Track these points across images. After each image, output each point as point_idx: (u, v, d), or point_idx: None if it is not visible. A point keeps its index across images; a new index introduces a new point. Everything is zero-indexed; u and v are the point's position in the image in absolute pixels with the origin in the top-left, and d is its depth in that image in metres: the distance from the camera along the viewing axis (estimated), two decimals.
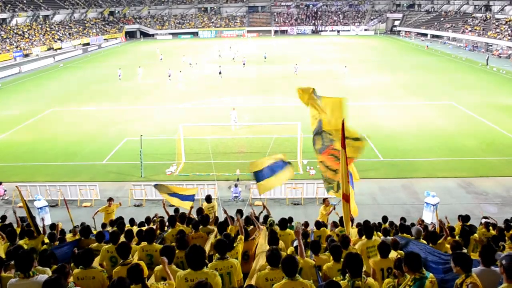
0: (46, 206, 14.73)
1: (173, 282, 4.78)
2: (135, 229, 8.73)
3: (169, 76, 40.50)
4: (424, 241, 7.23)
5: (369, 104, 29.41)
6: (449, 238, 8.22)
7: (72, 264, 6.42)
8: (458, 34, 67.03)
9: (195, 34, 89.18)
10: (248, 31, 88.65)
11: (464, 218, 9.78)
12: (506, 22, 59.44)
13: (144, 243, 6.53)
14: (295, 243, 7.11)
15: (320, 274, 5.50)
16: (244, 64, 47.60)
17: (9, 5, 67.12)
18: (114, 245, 6.33)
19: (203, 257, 4.65)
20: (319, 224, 8.71)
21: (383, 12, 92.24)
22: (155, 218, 10.60)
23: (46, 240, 8.22)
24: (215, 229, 7.25)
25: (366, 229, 6.55)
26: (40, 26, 69.59)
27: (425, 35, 76.75)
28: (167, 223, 8.72)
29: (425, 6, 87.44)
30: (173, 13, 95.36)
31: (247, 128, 24.16)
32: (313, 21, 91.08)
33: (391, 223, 10.36)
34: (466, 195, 16.22)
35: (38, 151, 21.74)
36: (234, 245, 6.09)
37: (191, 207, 9.79)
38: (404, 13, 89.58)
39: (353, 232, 7.63)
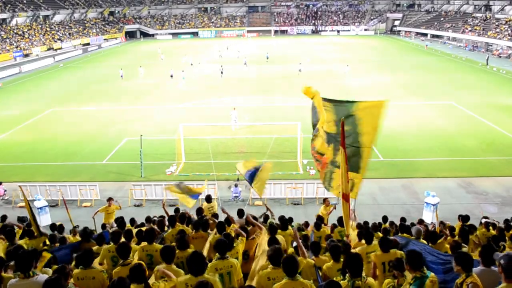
0: (46, 206, 14.74)
1: (175, 279, 4.80)
2: (134, 230, 8.71)
3: (171, 76, 40.62)
4: (424, 241, 7.23)
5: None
6: (449, 238, 8.22)
7: (72, 265, 6.42)
8: (458, 34, 67.03)
9: (195, 34, 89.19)
10: (248, 31, 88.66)
11: (464, 218, 9.78)
12: (506, 22, 59.43)
13: (144, 243, 6.52)
14: (294, 244, 7.12)
15: (320, 273, 5.50)
16: (245, 64, 47.78)
17: (9, 5, 67.12)
18: (115, 245, 6.33)
19: (204, 263, 4.67)
20: (319, 225, 8.69)
21: (383, 12, 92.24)
22: (154, 218, 10.59)
23: (47, 241, 8.22)
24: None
25: (366, 234, 6.52)
26: (40, 26, 69.58)
27: (425, 35, 76.76)
28: (167, 223, 8.71)
29: (425, 6, 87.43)
30: (173, 13, 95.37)
31: (247, 128, 24.16)
32: (313, 21, 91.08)
33: (391, 223, 10.36)
34: (466, 195, 16.22)
35: (38, 151, 21.74)
36: (234, 244, 6.09)
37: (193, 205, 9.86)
38: (404, 13, 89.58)
39: (353, 234, 7.61)
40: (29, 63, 52.40)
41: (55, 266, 5.83)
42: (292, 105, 29.67)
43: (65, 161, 20.28)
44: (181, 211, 9.93)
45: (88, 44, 72.66)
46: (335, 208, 11.87)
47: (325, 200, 12.44)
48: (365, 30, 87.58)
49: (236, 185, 16.36)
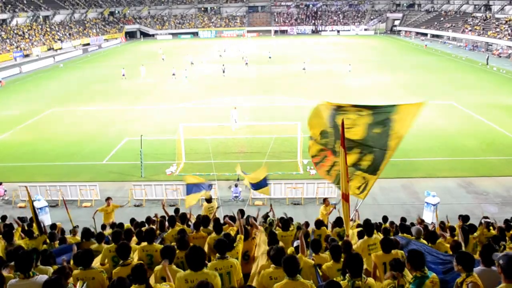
0: (46, 206, 14.74)
1: (173, 284, 4.79)
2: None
3: (174, 74, 40.72)
4: (425, 241, 7.22)
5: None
6: (448, 238, 8.22)
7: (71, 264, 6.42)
8: (458, 33, 67.01)
9: (195, 34, 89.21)
10: (248, 31, 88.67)
11: (465, 218, 9.77)
12: (506, 21, 59.41)
13: (144, 243, 6.52)
14: (295, 243, 7.12)
15: (320, 273, 5.50)
16: (246, 63, 47.97)
17: (9, 6, 67.13)
18: (116, 245, 6.33)
19: (203, 258, 4.66)
20: (319, 223, 8.71)
21: (383, 11, 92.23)
22: (154, 218, 10.59)
23: (47, 241, 8.23)
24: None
25: (366, 226, 6.55)
26: (40, 26, 69.60)
27: (425, 34, 76.77)
28: (167, 223, 8.71)
29: (425, 5, 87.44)
30: (173, 13, 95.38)
31: (247, 128, 24.15)
32: (313, 21, 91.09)
33: (391, 223, 10.35)
34: (467, 195, 16.21)
35: (38, 151, 21.74)
36: (234, 245, 6.09)
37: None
38: (404, 12, 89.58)
39: (353, 234, 7.61)
40: (29, 63, 52.42)
41: (55, 266, 5.83)
42: (292, 105, 29.68)
43: (65, 161, 20.27)
44: (181, 212, 9.95)
45: (88, 44, 72.68)
46: (335, 208, 11.86)
47: (325, 200, 12.45)
48: (365, 30, 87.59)
49: (236, 185, 16.36)
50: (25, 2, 70.72)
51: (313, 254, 5.97)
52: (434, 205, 13.91)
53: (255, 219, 8.55)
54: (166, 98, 33.33)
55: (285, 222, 7.90)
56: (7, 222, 10.54)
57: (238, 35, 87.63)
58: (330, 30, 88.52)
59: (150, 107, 30.42)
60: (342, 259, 5.48)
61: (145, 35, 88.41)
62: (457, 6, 78.27)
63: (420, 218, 11.24)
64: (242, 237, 6.40)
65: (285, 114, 26.48)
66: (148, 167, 18.56)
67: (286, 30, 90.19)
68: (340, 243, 6.20)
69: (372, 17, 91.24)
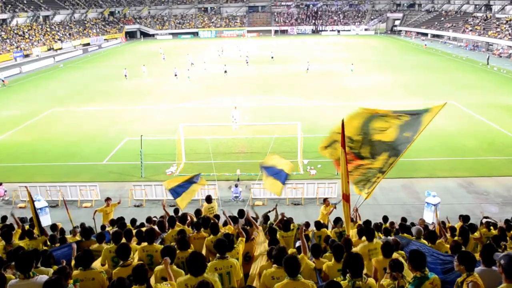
0: (46, 206, 14.73)
1: (174, 283, 4.79)
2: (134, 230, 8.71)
3: (176, 75, 40.84)
4: (425, 241, 7.21)
5: (370, 104, 29.36)
6: (449, 238, 8.21)
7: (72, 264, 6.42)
8: (459, 33, 66.99)
9: (195, 34, 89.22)
10: (248, 31, 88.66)
11: (465, 218, 9.77)
12: (507, 21, 59.37)
13: (144, 244, 6.52)
14: (297, 244, 7.12)
15: (321, 275, 5.49)
16: (247, 63, 48.20)
17: (10, 6, 67.16)
18: (116, 245, 6.33)
19: (204, 263, 4.67)
20: (319, 225, 8.69)
21: (384, 11, 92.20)
22: (155, 218, 10.59)
23: (47, 242, 8.22)
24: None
25: (367, 231, 6.52)
26: (40, 26, 69.62)
27: (426, 34, 76.76)
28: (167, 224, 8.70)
29: (425, 5, 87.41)
30: (173, 13, 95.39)
31: (247, 128, 24.14)
32: (313, 21, 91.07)
33: (392, 223, 10.34)
34: (467, 195, 16.20)
35: (38, 151, 21.74)
36: (235, 245, 6.08)
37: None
38: (404, 12, 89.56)
39: (353, 233, 7.60)
40: (30, 63, 52.45)
41: (55, 267, 5.83)
42: (293, 105, 29.67)
43: (65, 161, 20.27)
44: (182, 212, 9.93)
45: (88, 44, 72.70)
46: (335, 208, 11.86)
47: (325, 200, 12.45)
48: (366, 30, 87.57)
49: (236, 185, 16.36)
50: (25, 2, 70.75)
51: (314, 259, 5.96)
52: (434, 205, 13.90)
53: (255, 219, 8.55)
54: (166, 98, 33.33)
55: (286, 223, 7.90)
56: (7, 222, 10.54)
57: (238, 35, 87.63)
58: (330, 30, 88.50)
59: (150, 107, 30.42)
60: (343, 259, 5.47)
61: (145, 35, 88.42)
62: (457, 6, 78.23)
63: (422, 219, 11.23)
64: (244, 239, 6.40)
65: (286, 114, 26.48)
66: (148, 167, 18.56)
67: (286, 30, 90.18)
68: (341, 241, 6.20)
69: (372, 17, 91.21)
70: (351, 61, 45.46)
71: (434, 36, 74.97)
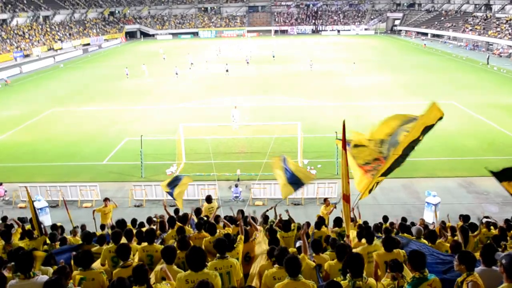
0: (46, 206, 14.74)
1: (174, 283, 4.79)
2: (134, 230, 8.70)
3: (177, 74, 40.98)
4: (425, 241, 7.21)
5: (370, 104, 29.38)
6: (449, 237, 8.21)
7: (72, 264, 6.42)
8: (459, 33, 66.97)
9: (195, 34, 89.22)
10: (248, 31, 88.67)
11: (465, 218, 9.76)
12: (507, 21, 59.35)
13: (144, 244, 6.51)
14: (297, 244, 7.11)
15: (321, 275, 5.50)
16: (247, 62, 48.35)
17: (10, 6, 67.15)
18: (116, 245, 6.32)
19: (204, 259, 4.65)
20: (319, 224, 8.68)
21: (384, 11, 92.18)
22: (155, 218, 10.58)
23: (48, 241, 8.22)
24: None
25: (367, 233, 6.50)
26: (40, 26, 69.61)
27: (426, 34, 76.75)
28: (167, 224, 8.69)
29: (425, 5, 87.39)
30: (173, 13, 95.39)
31: (247, 128, 24.14)
32: (313, 21, 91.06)
33: (391, 224, 10.34)
34: (467, 194, 16.20)
35: (38, 151, 21.75)
36: (235, 245, 6.08)
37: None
38: (404, 12, 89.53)
39: (353, 235, 7.60)
40: (30, 63, 52.47)
41: (56, 267, 5.83)
42: (293, 105, 29.68)
43: (66, 161, 20.27)
44: (183, 212, 9.91)
45: (89, 44, 72.70)
46: (335, 207, 11.86)
47: (325, 200, 12.45)
48: (366, 29, 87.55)
49: (236, 185, 16.35)
50: (25, 2, 70.74)
51: (314, 255, 5.97)
52: (434, 205, 13.90)
53: (254, 219, 8.55)
54: (166, 98, 33.34)
55: (286, 223, 7.89)
56: (7, 222, 10.54)
57: (238, 35, 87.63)
58: (330, 30, 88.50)
59: (150, 107, 30.42)
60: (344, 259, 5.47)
61: (145, 35, 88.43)
62: (457, 5, 78.22)
63: (422, 219, 11.24)
64: (243, 237, 6.39)
65: (286, 114, 26.48)
66: (148, 167, 18.56)
67: (286, 30, 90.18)
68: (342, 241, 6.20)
69: (372, 17, 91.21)
70: (352, 61, 45.54)
71: (434, 36, 74.95)
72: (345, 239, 6.92)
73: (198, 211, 9.59)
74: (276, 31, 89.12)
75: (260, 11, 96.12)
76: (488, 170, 6.46)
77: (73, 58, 61.09)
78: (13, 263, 5.40)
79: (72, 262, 6.53)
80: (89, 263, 5.36)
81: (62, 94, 36.17)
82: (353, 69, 42.09)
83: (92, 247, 7.21)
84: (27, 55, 58.68)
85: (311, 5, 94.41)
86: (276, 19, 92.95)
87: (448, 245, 7.18)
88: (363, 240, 6.62)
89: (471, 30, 64.84)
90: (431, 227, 11.00)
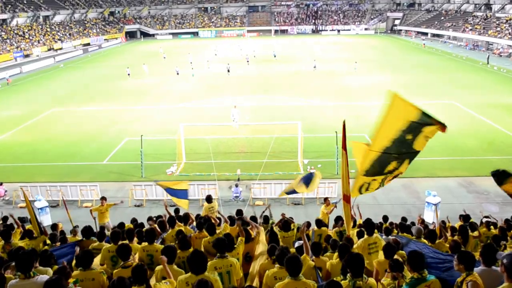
0: (46, 206, 14.74)
1: (174, 281, 4.79)
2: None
3: (178, 73, 41.17)
4: (425, 241, 7.22)
5: (370, 104, 29.36)
6: (449, 237, 8.20)
7: (73, 264, 6.42)
8: (459, 33, 66.96)
9: (195, 34, 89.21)
10: (248, 31, 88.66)
11: (465, 218, 9.77)
12: (507, 20, 59.33)
13: (144, 244, 6.52)
14: (297, 244, 7.11)
15: (321, 275, 5.50)
16: (248, 62, 48.49)
17: (10, 6, 67.18)
18: (115, 245, 6.33)
19: (205, 262, 4.67)
20: (319, 223, 8.69)
21: (383, 11, 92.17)
22: (154, 218, 10.58)
23: (48, 241, 8.22)
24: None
25: (367, 225, 6.54)
26: (40, 26, 69.62)
27: (426, 34, 76.74)
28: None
29: (425, 5, 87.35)
30: (173, 13, 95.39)
31: (247, 128, 24.14)
32: (313, 21, 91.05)
33: (391, 224, 10.34)
34: (467, 194, 16.20)
35: (38, 151, 21.75)
36: (235, 246, 6.08)
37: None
38: (404, 12, 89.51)
39: (353, 234, 7.61)
40: (30, 63, 52.49)
41: (56, 266, 5.83)
42: (293, 105, 29.67)
43: (66, 161, 20.28)
44: (184, 212, 9.91)
45: (89, 44, 72.70)
46: (335, 207, 11.87)
47: (325, 200, 12.45)
48: (366, 29, 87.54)
49: (236, 185, 16.35)
50: (25, 2, 70.75)
51: (314, 257, 5.97)
52: (435, 204, 13.89)
53: (256, 219, 8.55)
54: (166, 98, 33.34)
55: (286, 223, 7.90)
56: (8, 222, 10.54)
57: (238, 35, 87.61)
58: (330, 30, 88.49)
59: (150, 107, 30.42)
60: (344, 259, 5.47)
61: (145, 35, 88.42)
62: (457, 5, 78.18)
63: (421, 217, 11.23)
64: (243, 239, 6.39)
65: (286, 114, 26.48)
66: (148, 167, 18.57)
67: (286, 30, 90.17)
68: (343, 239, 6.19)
69: (372, 17, 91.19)
70: (353, 60, 45.58)
71: (434, 35, 74.94)
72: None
73: (197, 216, 9.57)
74: (276, 31, 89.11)
75: (260, 11, 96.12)
76: (491, 173, 6.45)
77: (73, 58, 61.09)
78: (13, 263, 5.40)
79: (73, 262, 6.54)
80: (89, 263, 5.36)
81: (62, 94, 36.17)
82: (355, 68, 42.10)
83: (91, 243, 7.21)
84: (27, 55, 58.69)
85: (311, 5, 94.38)
86: (276, 19, 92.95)
87: (448, 245, 7.18)
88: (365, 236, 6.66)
89: (471, 29, 64.82)
90: (431, 226, 11.00)
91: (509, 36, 54.82)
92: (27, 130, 25.73)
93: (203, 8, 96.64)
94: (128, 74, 42.00)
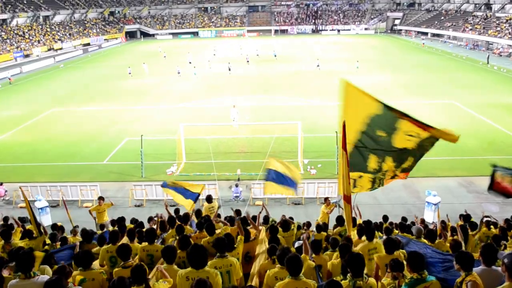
0: (46, 206, 14.75)
1: (171, 280, 4.78)
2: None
3: (179, 72, 41.24)
4: (425, 240, 7.22)
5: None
6: (449, 238, 8.21)
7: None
8: (459, 32, 66.94)
9: (195, 34, 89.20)
10: (248, 31, 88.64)
11: (465, 218, 9.76)
12: (507, 20, 59.32)
13: (145, 243, 6.52)
14: (296, 244, 7.12)
15: (321, 275, 5.50)
16: (248, 61, 48.63)
17: (10, 6, 67.18)
18: (113, 245, 6.33)
19: (205, 256, 4.64)
20: (319, 228, 8.67)
21: (383, 11, 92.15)
22: (156, 218, 10.58)
23: (48, 241, 8.22)
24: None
25: (367, 230, 6.51)
26: (40, 26, 69.62)
27: (426, 33, 76.73)
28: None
29: (425, 4, 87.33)
30: (173, 13, 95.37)
31: (247, 128, 24.14)
32: (314, 21, 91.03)
33: (390, 224, 10.34)
34: (467, 194, 16.20)
35: (39, 151, 21.75)
36: (235, 245, 6.08)
37: (193, 208, 9.75)
38: (404, 12, 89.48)
39: (353, 233, 7.60)
40: (30, 63, 52.49)
41: (56, 266, 5.83)
42: (293, 105, 29.67)
43: (66, 161, 20.28)
44: (184, 212, 9.91)
45: (89, 44, 72.68)
46: (335, 206, 11.87)
47: (326, 200, 12.45)
48: (366, 29, 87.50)
49: (236, 185, 16.36)
50: (25, 2, 70.75)
51: (313, 255, 5.97)
52: (435, 204, 13.90)
53: (255, 218, 8.53)
54: (166, 98, 33.34)
55: (285, 223, 7.89)
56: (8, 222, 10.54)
57: (238, 35, 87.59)
58: (330, 30, 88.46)
59: (150, 107, 30.42)
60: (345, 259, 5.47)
61: (145, 35, 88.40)
62: (457, 5, 78.17)
63: (417, 218, 11.24)
64: (243, 238, 6.39)
65: (286, 114, 26.47)
66: (148, 167, 18.57)
67: (286, 30, 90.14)
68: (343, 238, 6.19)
69: (372, 17, 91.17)
70: (353, 60, 45.61)
71: (434, 35, 74.93)
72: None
73: (198, 213, 9.59)
74: (276, 31, 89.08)
75: (260, 11, 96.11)
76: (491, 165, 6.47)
77: (73, 58, 61.08)
78: (14, 263, 5.40)
79: (72, 262, 6.54)
80: (89, 263, 5.36)
81: (62, 94, 36.17)
82: (357, 67, 42.14)
83: (92, 247, 7.22)
84: (27, 55, 58.68)
85: (311, 4, 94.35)
86: (276, 19, 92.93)
87: (448, 245, 7.18)
88: (363, 237, 6.63)
89: (471, 29, 64.80)
90: (431, 226, 11.00)
91: (509, 36, 54.80)
92: (27, 130, 25.73)
93: (203, 8, 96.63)
94: (129, 74, 42.11)
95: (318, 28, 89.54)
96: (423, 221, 11.29)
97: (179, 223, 8.05)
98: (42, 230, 8.42)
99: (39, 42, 63.99)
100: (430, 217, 13.82)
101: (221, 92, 34.66)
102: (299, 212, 14.87)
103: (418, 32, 79.42)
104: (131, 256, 5.62)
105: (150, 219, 10.72)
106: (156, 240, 6.89)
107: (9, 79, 41.90)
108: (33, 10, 71.03)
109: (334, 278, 4.21)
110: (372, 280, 4.50)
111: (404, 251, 6.23)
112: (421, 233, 7.46)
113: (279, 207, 15.33)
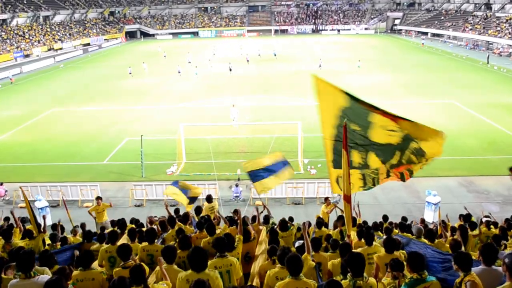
0: (47, 206, 14.74)
1: (170, 283, 4.77)
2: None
3: (179, 72, 41.36)
4: (425, 240, 7.22)
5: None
6: (449, 238, 8.21)
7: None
8: (459, 32, 66.94)
9: (195, 34, 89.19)
10: (248, 31, 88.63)
11: (465, 217, 9.76)
12: (507, 20, 59.31)
13: (145, 243, 6.52)
14: (297, 244, 7.12)
15: (320, 274, 5.50)
16: (248, 61, 48.65)
17: (10, 6, 67.17)
18: (113, 246, 6.32)
19: (206, 259, 4.65)
20: (320, 224, 8.69)
21: (384, 11, 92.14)
22: (156, 218, 10.58)
23: (48, 241, 8.22)
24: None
25: (367, 235, 6.49)
26: (40, 26, 69.62)
27: (426, 33, 76.73)
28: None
29: (425, 4, 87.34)
30: (173, 13, 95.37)
31: (247, 128, 24.14)
32: (314, 20, 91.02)
33: (390, 223, 10.34)
34: (468, 194, 16.20)
35: (39, 151, 21.75)
36: (235, 245, 6.08)
37: (189, 211, 9.79)
38: (404, 11, 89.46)
39: (353, 234, 7.60)
40: (30, 63, 52.48)
41: (56, 267, 5.83)
42: (293, 105, 29.66)
43: (66, 161, 20.28)
44: (184, 212, 9.92)
45: (89, 44, 72.68)
46: (336, 206, 11.87)
47: (326, 200, 12.46)
48: (366, 29, 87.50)
49: (237, 185, 16.36)
50: (25, 2, 70.75)
51: (313, 253, 5.98)
52: (435, 204, 13.90)
53: (255, 219, 8.54)
54: (166, 98, 33.34)
55: (284, 223, 7.90)
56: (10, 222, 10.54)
57: (238, 35, 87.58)
58: (330, 30, 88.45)
59: (150, 107, 30.41)
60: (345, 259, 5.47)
61: (145, 35, 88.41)
62: (457, 5, 78.17)
63: (422, 218, 11.23)
64: (241, 238, 6.39)
65: (286, 114, 26.47)
66: (148, 167, 18.57)
67: (286, 30, 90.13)
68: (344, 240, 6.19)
69: (372, 16, 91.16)
70: (353, 60, 45.69)
71: (434, 35, 74.92)
72: (346, 238, 6.93)
73: (198, 210, 9.59)
74: (276, 31, 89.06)
75: (260, 11, 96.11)
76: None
77: (73, 58, 61.07)
78: (14, 263, 5.39)
79: (73, 262, 6.54)
80: (89, 263, 5.36)
81: (62, 94, 36.18)
82: (358, 66, 42.18)
83: (92, 245, 7.22)
84: (27, 55, 58.69)
85: (311, 4, 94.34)
86: (276, 19, 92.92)
87: (448, 245, 7.18)
88: (363, 241, 6.62)
89: (471, 29, 64.79)
90: (431, 226, 11.00)
91: (509, 36, 54.80)
92: (27, 130, 25.73)
93: (203, 8, 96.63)
94: (130, 73, 42.15)
95: (318, 28, 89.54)
96: (423, 220, 11.29)
97: (180, 224, 8.06)
98: (41, 230, 8.42)
99: (39, 42, 63.99)
100: (430, 217, 13.82)
101: (221, 92, 34.65)
102: (299, 212, 14.87)
103: (418, 32, 79.40)
104: (131, 256, 5.62)
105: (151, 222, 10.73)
106: (156, 240, 6.90)
107: (11, 79, 42.02)
108: (33, 10, 71.03)
109: (334, 278, 4.21)
110: (372, 279, 4.50)
111: (404, 251, 6.23)
112: (421, 232, 7.46)
113: (279, 207, 15.33)
